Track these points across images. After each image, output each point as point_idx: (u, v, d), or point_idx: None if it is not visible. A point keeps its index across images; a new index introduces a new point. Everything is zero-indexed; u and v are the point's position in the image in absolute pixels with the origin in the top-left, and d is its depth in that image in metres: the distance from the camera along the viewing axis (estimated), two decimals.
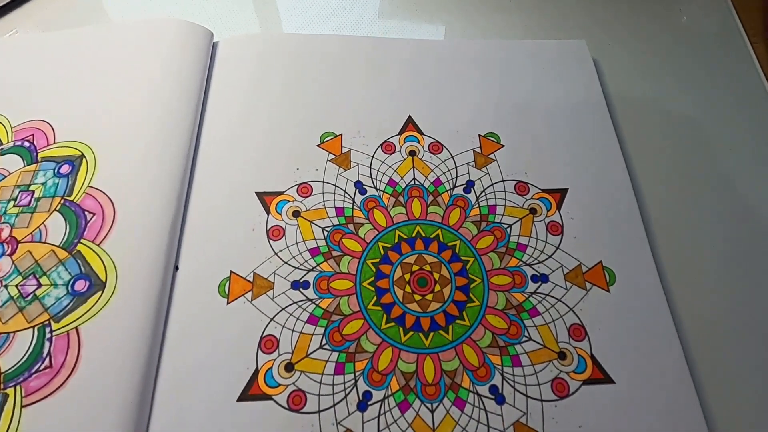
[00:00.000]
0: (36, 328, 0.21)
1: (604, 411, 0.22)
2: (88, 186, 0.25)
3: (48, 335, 0.21)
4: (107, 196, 0.25)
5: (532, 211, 0.27)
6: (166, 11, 0.36)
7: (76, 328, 0.21)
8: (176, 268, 0.25)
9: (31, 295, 0.22)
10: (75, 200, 0.24)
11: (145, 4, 0.36)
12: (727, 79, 0.34)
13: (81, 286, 0.22)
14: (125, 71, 0.29)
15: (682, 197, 0.29)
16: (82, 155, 0.26)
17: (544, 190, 0.28)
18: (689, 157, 0.30)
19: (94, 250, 0.23)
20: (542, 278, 0.25)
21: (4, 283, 0.22)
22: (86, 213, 0.24)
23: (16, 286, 0.22)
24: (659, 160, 0.30)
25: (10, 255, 0.23)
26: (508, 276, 0.25)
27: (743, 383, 0.24)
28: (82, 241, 0.23)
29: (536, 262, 0.26)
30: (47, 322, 0.22)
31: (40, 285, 0.22)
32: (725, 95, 0.34)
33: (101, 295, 0.22)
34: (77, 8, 0.36)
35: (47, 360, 0.21)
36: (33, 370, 0.21)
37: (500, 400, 0.22)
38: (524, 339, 0.24)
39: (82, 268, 0.23)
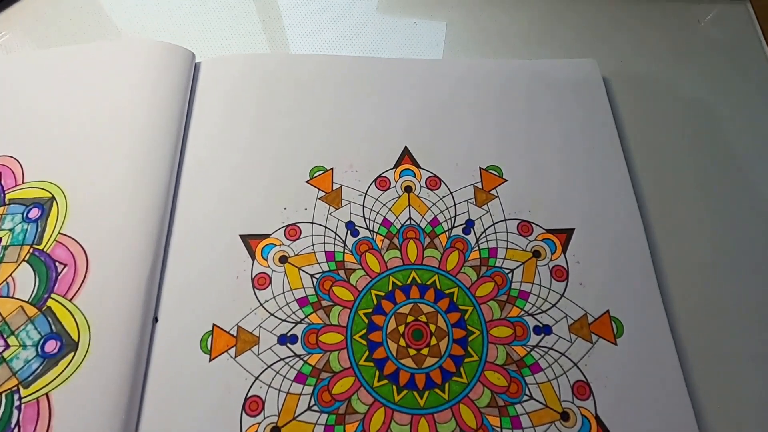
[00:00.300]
0: (4, 395, 0.20)
1: None
2: (59, 233, 0.23)
3: (17, 403, 0.20)
4: (79, 244, 0.23)
5: (536, 254, 0.26)
6: (154, 29, 0.33)
7: (46, 394, 0.20)
8: (155, 319, 0.23)
9: None
10: (45, 249, 0.23)
11: (132, 23, 0.33)
12: (749, 97, 0.32)
13: (52, 347, 0.21)
14: (101, 99, 0.27)
15: (698, 238, 0.27)
16: (53, 197, 0.24)
17: (548, 231, 0.26)
18: (707, 190, 0.28)
19: (65, 306, 0.22)
20: (545, 330, 0.24)
21: None
22: (57, 264, 0.22)
23: None
24: (674, 195, 0.28)
25: None
26: (509, 327, 0.24)
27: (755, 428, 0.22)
28: (52, 295, 0.22)
29: (539, 311, 0.24)
30: (16, 388, 0.20)
31: (8, 346, 0.21)
32: (747, 115, 0.31)
33: (73, 356, 0.21)
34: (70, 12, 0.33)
35: (16, 430, 0.19)
36: None
37: None
38: (525, 398, 0.22)
39: (53, 327, 0.21)
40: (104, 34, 0.32)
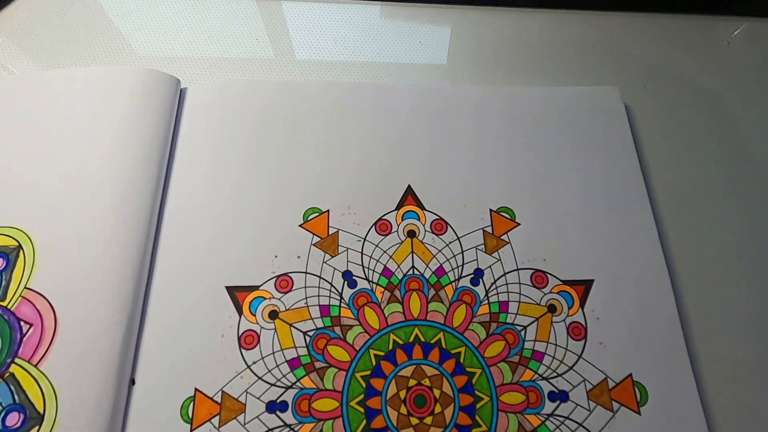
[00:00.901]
0: None
1: None
2: (25, 287, 0.21)
3: None
4: (47, 300, 0.21)
5: (551, 308, 0.23)
6: (141, 53, 0.30)
7: None
8: (132, 381, 0.21)
9: None
10: (9, 307, 0.21)
11: (118, 47, 0.31)
12: None
13: (13, 420, 0.19)
14: (77, 131, 0.24)
15: (730, 290, 0.25)
16: (19, 246, 0.22)
17: (565, 282, 0.24)
18: (740, 233, 0.26)
19: (30, 373, 0.19)
20: (561, 396, 0.22)
21: None
22: (22, 324, 0.20)
23: None
24: (703, 239, 0.26)
25: None
26: (521, 393, 0.22)
27: None
28: (16, 360, 0.20)
29: (555, 375, 0.22)
30: None
31: None
32: None
33: (38, 431, 0.19)
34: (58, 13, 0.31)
35: None
36: None
37: None
38: None
39: (16, 397, 0.19)
40: (89, 56, 0.30)
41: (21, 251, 0.22)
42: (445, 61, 0.31)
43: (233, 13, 0.32)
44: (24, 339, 0.20)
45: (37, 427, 0.19)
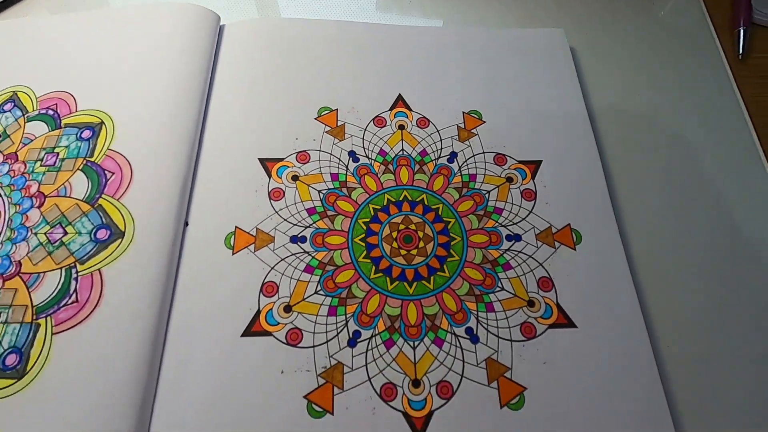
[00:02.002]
0: (63, 269, 0.24)
1: (567, 350, 0.25)
2: (108, 149, 0.27)
3: (74, 275, 0.24)
4: (125, 158, 0.27)
5: (509, 179, 0.30)
6: None
7: (99, 269, 0.24)
8: (186, 223, 0.27)
9: (58, 242, 0.25)
10: (96, 161, 0.27)
11: None
12: (695, 68, 0.37)
13: (103, 234, 0.25)
14: (140, 49, 0.32)
15: (645, 167, 0.32)
16: (102, 122, 0.28)
17: (520, 162, 0.31)
18: (654, 133, 0.33)
19: (114, 204, 0.26)
20: (516, 237, 0.28)
21: (33, 231, 0.25)
22: (106, 172, 0.27)
23: (45, 233, 0.25)
24: (627, 135, 0.33)
25: (39, 207, 0.26)
26: (485, 235, 0.28)
27: (688, 321, 0.27)
28: (103, 196, 0.26)
29: (511, 223, 0.29)
30: (73, 265, 0.24)
31: (66, 233, 0.25)
32: (693, 83, 0.36)
33: (120, 242, 0.25)
34: None
35: (74, 296, 0.23)
36: (62, 304, 0.23)
37: (474, 339, 0.25)
38: (498, 289, 0.27)
39: (104, 219, 0.25)
40: None
41: (103, 125, 0.28)
42: (427, 12, 0.39)
43: None
44: (108, 182, 0.27)
45: (119, 240, 0.25)
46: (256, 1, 0.39)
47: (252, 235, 0.27)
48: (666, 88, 0.36)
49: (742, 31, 0.38)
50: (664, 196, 0.31)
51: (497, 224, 0.29)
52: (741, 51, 0.38)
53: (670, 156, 0.33)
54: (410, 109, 0.32)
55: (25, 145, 0.28)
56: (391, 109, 0.32)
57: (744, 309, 0.27)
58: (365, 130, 0.31)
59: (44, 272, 0.24)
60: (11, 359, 0.22)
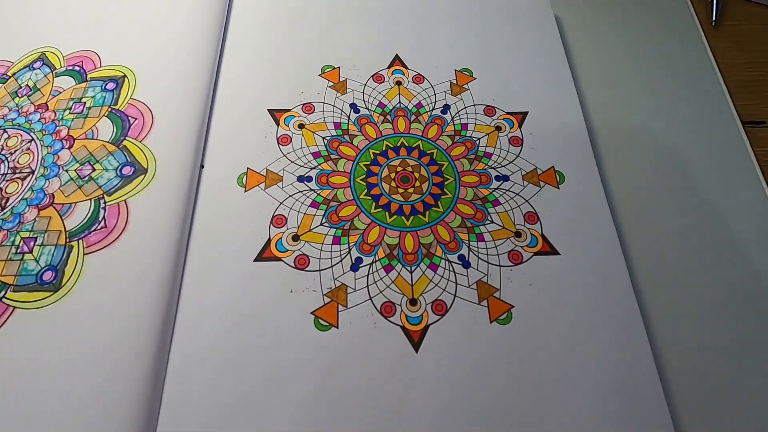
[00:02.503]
0: (92, 200, 0.27)
1: (550, 274, 0.28)
2: (131, 98, 0.30)
3: (102, 205, 0.26)
4: (147, 106, 0.30)
5: (498, 128, 0.33)
6: None
7: (125, 200, 0.27)
8: (202, 166, 0.30)
9: (87, 177, 0.27)
10: (120, 108, 0.30)
11: None
12: (672, 35, 0.40)
13: (127, 171, 0.28)
14: (157, 13, 0.34)
15: (624, 117, 0.34)
16: (125, 75, 0.31)
17: (508, 113, 0.33)
18: (633, 90, 0.36)
19: (137, 145, 0.28)
20: (504, 178, 0.31)
21: (65, 168, 0.28)
22: (130, 118, 0.29)
23: (75, 170, 0.28)
24: (607, 91, 0.36)
25: (69, 149, 0.28)
26: (476, 176, 0.31)
27: (663, 248, 0.29)
28: (127, 138, 0.29)
29: (500, 166, 0.31)
30: (101, 196, 0.27)
31: (94, 170, 0.28)
32: (670, 48, 0.39)
33: (143, 178, 0.27)
34: None
35: (103, 222, 0.26)
36: (92, 229, 0.26)
37: (466, 265, 0.28)
38: (487, 222, 0.29)
39: (128, 158, 0.28)
40: None
41: (126, 78, 0.31)
42: None
43: None
44: (131, 126, 0.29)
45: (143, 176, 0.28)
46: None
47: (262, 175, 0.30)
48: (644, 52, 0.39)
49: (714, 0, 0.41)
50: (640, 141, 0.34)
51: (487, 167, 0.31)
52: (714, 18, 0.40)
53: (647, 109, 0.35)
54: (406, 67, 0.35)
55: (54, 96, 0.31)
56: (389, 67, 0.35)
57: (715, 246, 0.30)
58: (365, 85, 0.34)
59: (75, 203, 0.27)
60: (48, 275, 0.25)
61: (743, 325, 0.27)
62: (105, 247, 0.25)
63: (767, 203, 0.32)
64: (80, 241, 0.25)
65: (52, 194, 0.27)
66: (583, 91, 0.36)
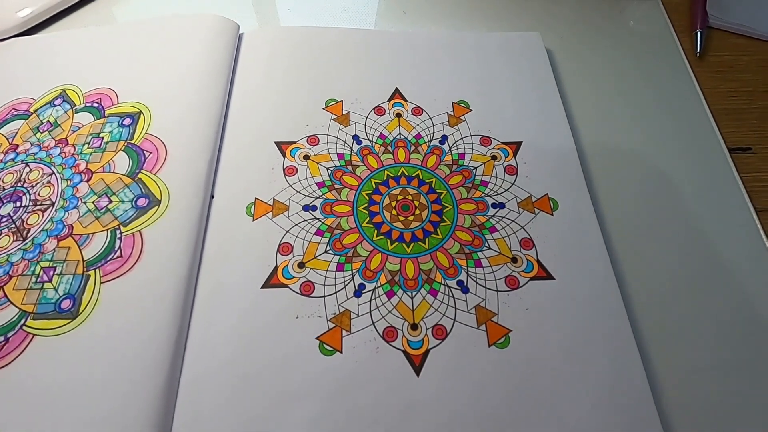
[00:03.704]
0: (109, 231, 0.28)
1: (546, 299, 0.29)
2: (146, 133, 0.32)
3: (119, 235, 0.28)
4: (161, 140, 0.32)
5: (494, 157, 0.34)
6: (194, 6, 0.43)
7: (139, 231, 0.28)
8: (212, 197, 0.31)
9: (104, 209, 0.29)
10: (136, 143, 0.31)
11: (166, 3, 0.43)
12: (660, 66, 0.42)
13: (142, 202, 0.29)
14: (172, 52, 0.36)
15: (614, 146, 0.36)
16: (140, 112, 0.33)
17: (503, 143, 0.35)
18: (622, 118, 0.38)
19: (152, 178, 0.30)
20: (500, 205, 0.32)
21: (83, 200, 0.29)
22: (145, 152, 0.31)
23: (92, 202, 0.29)
24: (598, 121, 0.37)
25: (87, 181, 0.30)
26: (473, 204, 0.32)
27: (655, 274, 0.30)
28: (142, 171, 0.30)
29: (496, 194, 0.33)
30: (118, 227, 0.28)
31: (110, 201, 0.29)
32: (658, 78, 0.41)
33: (158, 209, 0.29)
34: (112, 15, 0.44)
35: (118, 252, 0.27)
36: (108, 258, 0.27)
37: (465, 290, 0.29)
38: (485, 248, 0.30)
39: (143, 190, 0.30)
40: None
41: (142, 114, 0.33)
42: (418, 19, 0.44)
43: None
44: (146, 160, 0.31)
45: (157, 207, 0.29)
46: (267, 11, 0.45)
47: (269, 205, 0.31)
48: (633, 83, 0.41)
49: (699, 33, 0.43)
50: (631, 168, 0.35)
51: (484, 194, 0.33)
52: (699, 50, 0.42)
53: (637, 137, 0.37)
54: (406, 100, 0.37)
55: (74, 132, 0.32)
56: (389, 100, 0.37)
57: (705, 269, 0.31)
58: (367, 117, 0.36)
59: (93, 233, 0.28)
60: (66, 304, 0.26)
61: (735, 347, 0.28)
62: (120, 275, 0.27)
63: (755, 226, 0.33)
64: (97, 270, 0.27)
65: (71, 225, 0.28)
66: (574, 120, 0.37)
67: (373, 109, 0.36)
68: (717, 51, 0.43)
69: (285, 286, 0.28)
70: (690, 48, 0.43)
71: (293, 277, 0.29)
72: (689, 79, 0.41)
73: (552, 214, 0.32)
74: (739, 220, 0.33)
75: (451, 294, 0.29)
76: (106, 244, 0.28)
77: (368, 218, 0.31)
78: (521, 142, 0.35)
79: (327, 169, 0.33)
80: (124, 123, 0.32)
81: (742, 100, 0.40)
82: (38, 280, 0.26)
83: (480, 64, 0.39)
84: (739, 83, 0.41)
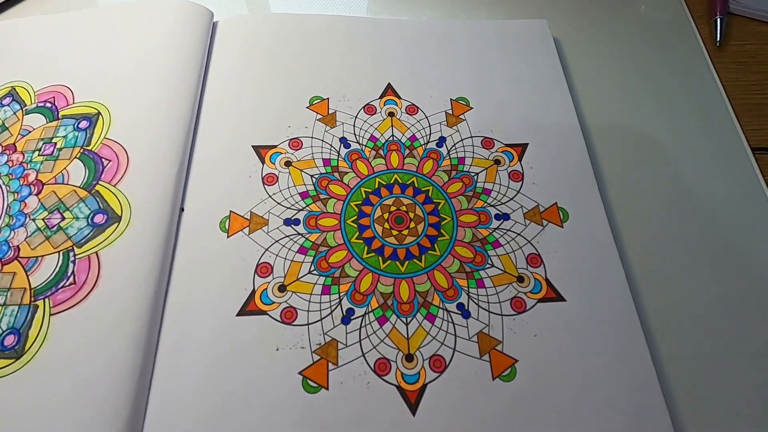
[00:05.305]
0: (61, 253, 0.25)
1: (556, 323, 0.26)
2: (105, 138, 0.28)
3: (72, 258, 0.24)
4: (122, 146, 0.28)
5: (497, 162, 0.31)
6: None
7: (96, 252, 0.25)
8: (182, 209, 0.28)
9: (56, 227, 0.25)
10: (93, 150, 0.28)
11: None
12: (677, 56, 0.38)
13: (100, 219, 0.26)
14: (136, 43, 0.32)
15: (629, 146, 0.33)
16: (99, 113, 0.29)
17: (507, 145, 0.31)
18: (637, 115, 0.34)
19: (110, 190, 0.26)
20: (504, 217, 0.29)
21: (32, 217, 0.26)
22: (103, 160, 0.27)
23: (42, 219, 0.26)
24: (611, 118, 0.34)
25: (37, 195, 0.26)
26: (474, 215, 0.29)
27: (675, 294, 0.27)
28: (100, 182, 0.27)
29: (499, 203, 0.29)
30: (71, 248, 0.25)
31: (63, 218, 0.26)
32: (675, 69, 0.37)
33: (117, 226, 0.25)
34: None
35: (71, 278, 0.24)
36: (59, 286, 0.24)
37: (466, 314, 0.26)
38: (488, 266, 0.27)
39: (100, 205, 0.26)
40: None
41: (100, 116, 0.29)
42: (414, 5, 0.40)
43: None
44: (105, 169, 0.27)
45: (116, 224, 0.26)
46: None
47: (246, 219, 0.28)
48: (648, 76, 0.37)
49: (719, 20, 0.39)
50: (648, 173, 0.32)
51: (486, 204, 0.29)
52: (718, 39, 0.39)
53: (653, 136, 0.34)
54: (399, 97, 0.33)
55: (23, 136, 0.29)
56: (381, 97, 0.33)
57: (735, 282, 0.28)
58: (356, 117, 0.32)
59: (42, 256, 0.25)
60: (9, 340, 0.22)
61: (762, 372, 0.26)
62: (73, 306, 0.23)
63: None
64: (47, 299, 0.23)
65: (18, 247, 0.25)
66: (585, 118, 0.34)
67: (363, 107, 0.32)
68: (738, 39, 0.40)
69: (264, 312, 0.25)
70: (709, 36, 0.39)
71: (273, 303, 0.25)
72: (708, 71, 0.37)
73: (562, 226, 0.29)
74: (766, 228, 0.30)
75: (450, 319, 0.26)
76: (57, 269, 0.24)
77: (357, 233, 0.28)
78: (527, 144, 0.32)
79: (311, 176, 0.29)
80: (80, 126, 0.29)
81: (766, 94, 0.37)
82: None
83: (481, 55, 0.35)
84: (762, 75, 0.38)
